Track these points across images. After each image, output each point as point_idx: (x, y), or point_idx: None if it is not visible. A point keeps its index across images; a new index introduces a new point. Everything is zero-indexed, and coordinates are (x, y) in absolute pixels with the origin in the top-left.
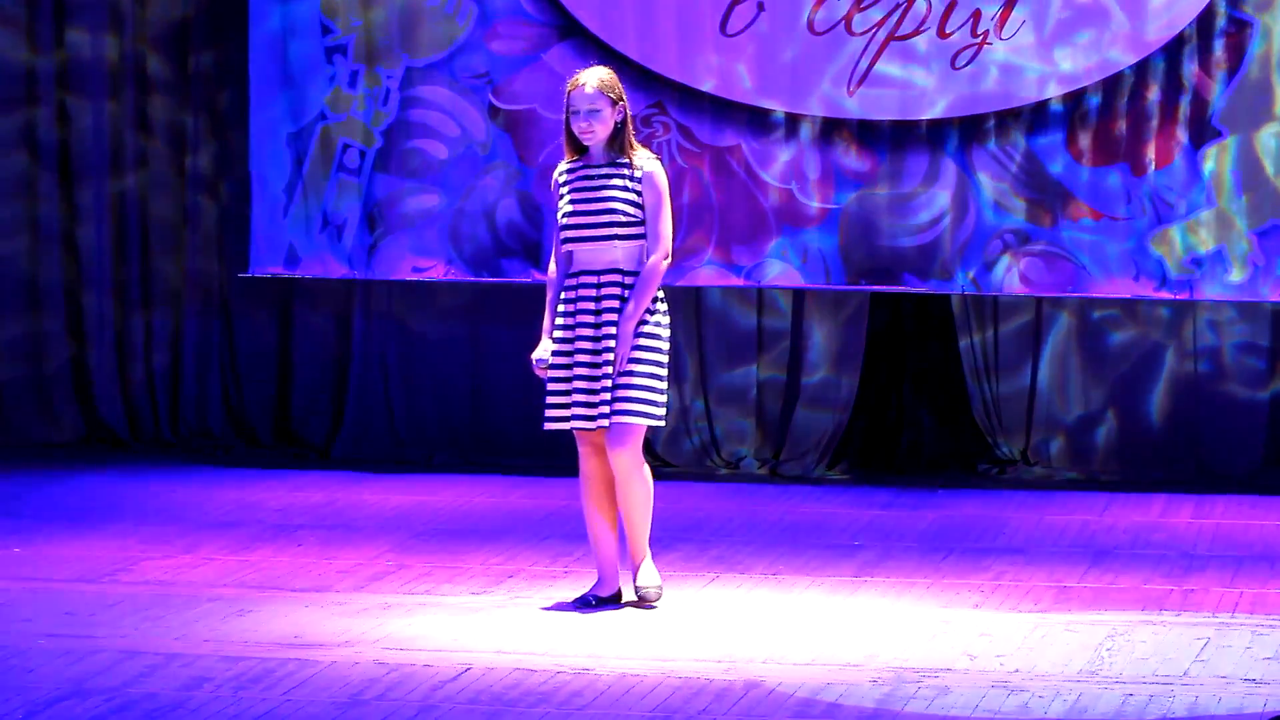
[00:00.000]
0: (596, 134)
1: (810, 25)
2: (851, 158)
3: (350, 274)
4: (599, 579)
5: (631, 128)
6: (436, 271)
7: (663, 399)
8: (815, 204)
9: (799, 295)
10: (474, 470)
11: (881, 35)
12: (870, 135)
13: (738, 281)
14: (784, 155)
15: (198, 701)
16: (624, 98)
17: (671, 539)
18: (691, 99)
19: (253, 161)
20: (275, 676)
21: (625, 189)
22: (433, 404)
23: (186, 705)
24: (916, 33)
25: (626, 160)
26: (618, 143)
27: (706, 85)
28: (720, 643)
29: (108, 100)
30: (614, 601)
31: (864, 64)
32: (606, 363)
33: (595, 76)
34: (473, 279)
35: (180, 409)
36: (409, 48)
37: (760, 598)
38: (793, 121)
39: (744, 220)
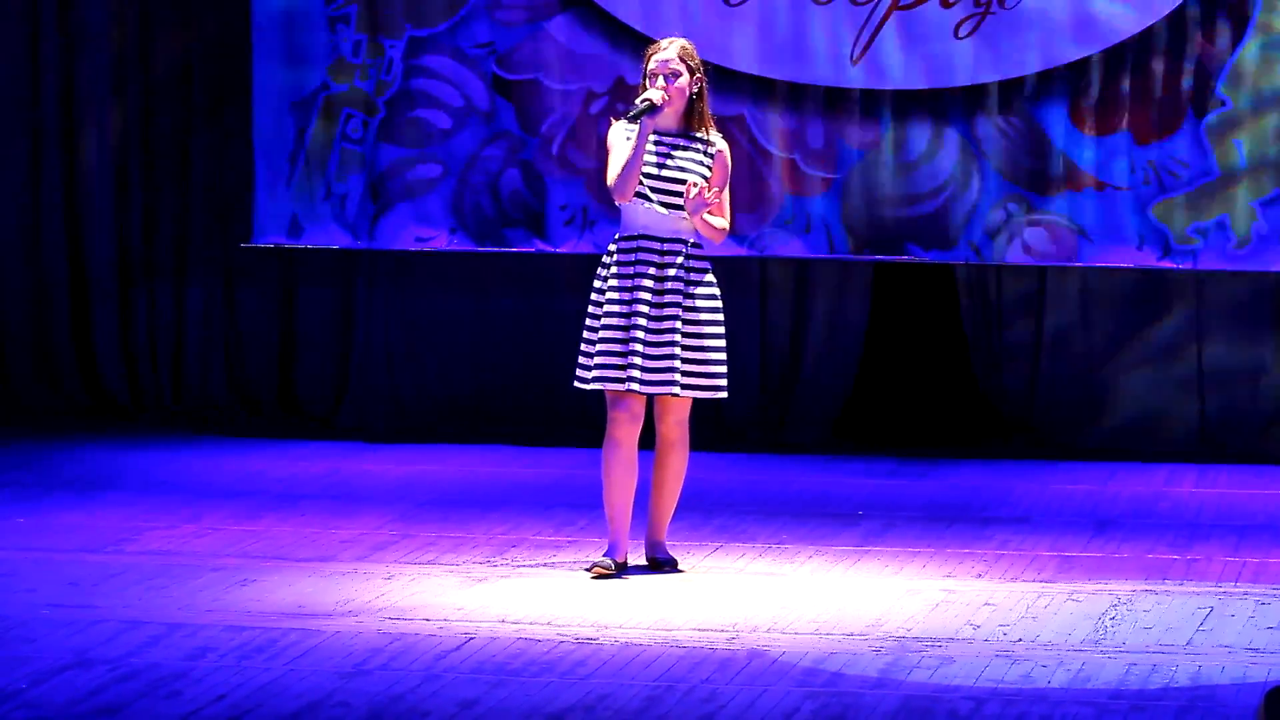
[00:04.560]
0: (673, 100)
1: None
2: (855, 128)
3: (353, 244)
4: (613, 545)
5: (707, 102)
6: (439, 242)
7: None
8: (819, 174)
9: (802, 265)
10: (477, 440)
11: (885, 5)
12: (873, 105)
13: (741, 252)
14: (787, 125)
15: (201, 671)
16: (702, 69)
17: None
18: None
19: (255, 131)
20: (278, 646)
21: (700, 163)
22: (436, 374)
23: (190, 675)
24: (920, 2)
25: (702, 135)
26: (694, 115)
27: (709, 55)
28: (724, 612)
29: (110, 74)
30: (623, 569)
31: (867, 34)
32: (670, 330)
33: (676, 43)
34: (476, 249)
35: (183, 379)
36: (412, 17)
37: (763, 568)
38: (796, 91)
39: (747, 190)
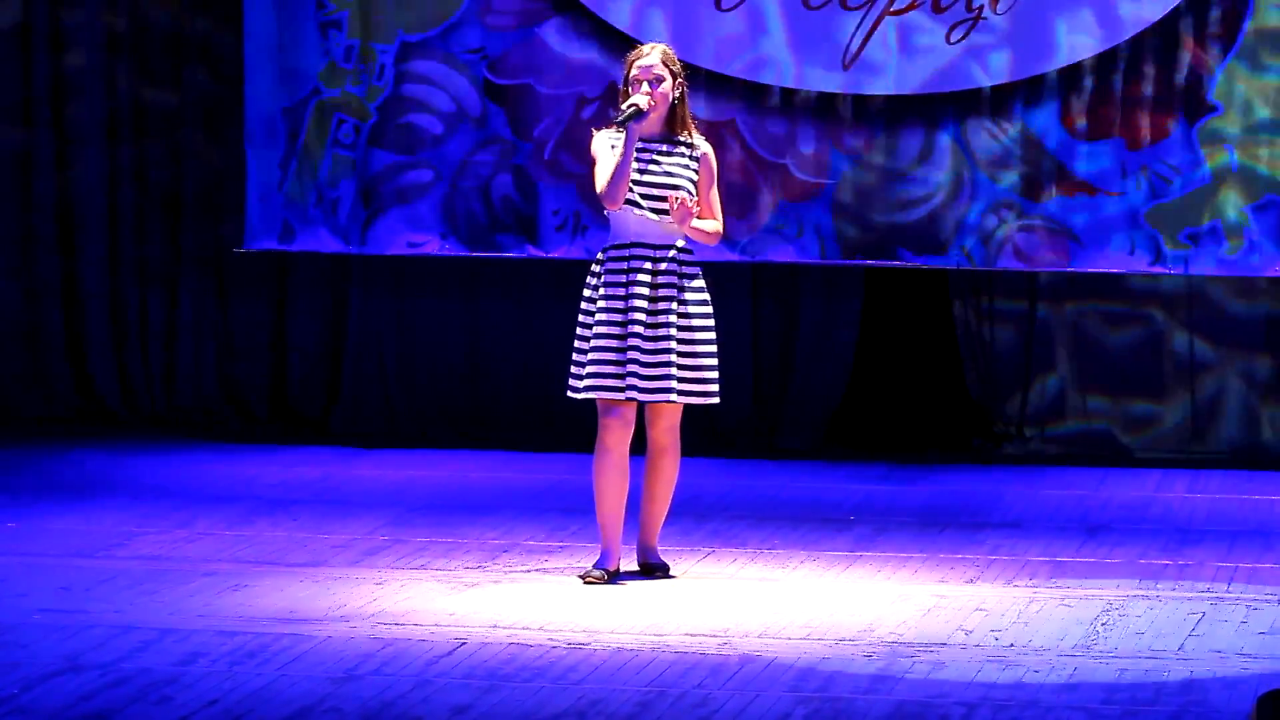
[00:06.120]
0: (657, 105)
1: (805, 0)
2: (846, 133)
3: (345, 249)
4: (605, 552)
5: (688, 106)
6: (431, 247)
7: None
8: (810, 179)
9: (794, 270)
10: (469, 445)
11: (876, 10)
12: (865, 110)
13: (732, 257)
14: (779, 131)
15: (192, 676)
16: (683, 74)
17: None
18: (686, 74)
19: (247, 137)
20: (270, 651)
21: (686, 167)
22: (428, 379)
23: (181, 680)
24: (911, 7)
25: (685, 139)
26: (676, 119)
27: (701, 60)
28: (715, 617)
29: (103, 74)
30: (615, 576)
31: (859, 39)
32: (665, 336)
33: (658, 49)
34: (468, 254)
35: (176, 384)
36: (404, 22)
37: (755, 572)
38: (788, 97)
39: (738, 196)
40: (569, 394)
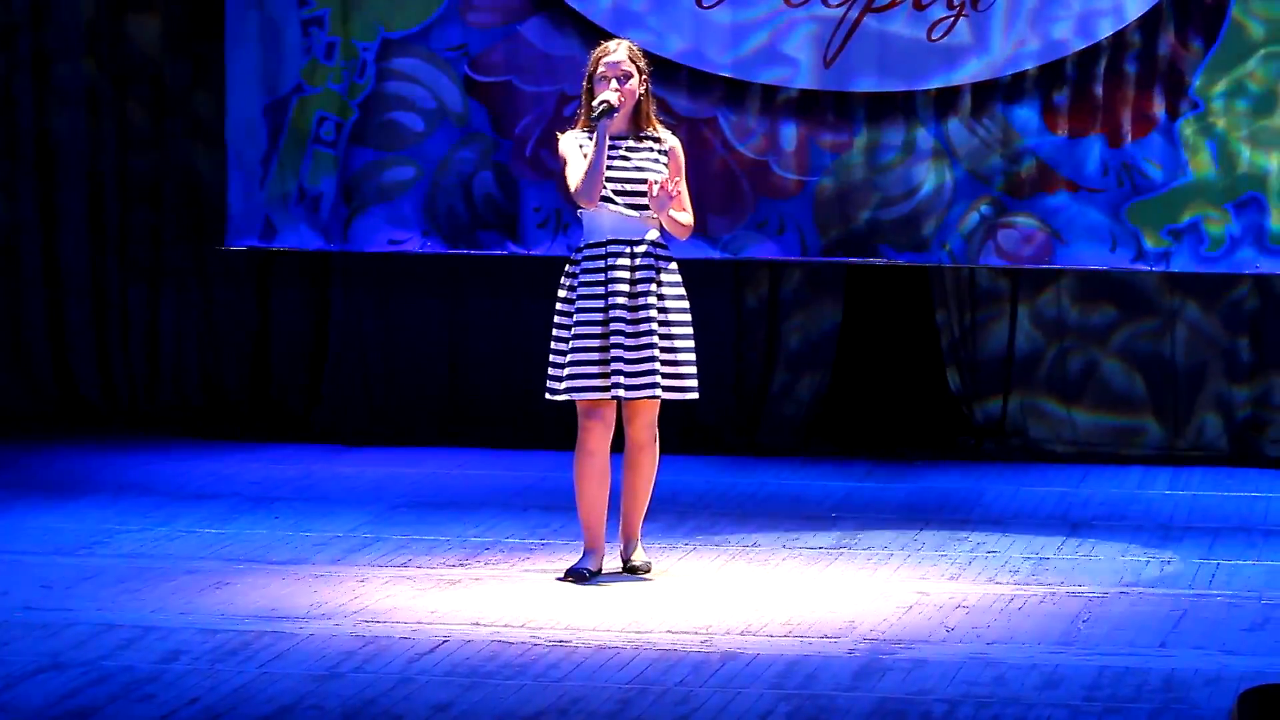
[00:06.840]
0: (625, 102)
1: None
2: (828, 130)
3: (326, 246)
4: (589, 552)
5: (653, 101)
6: (412, 244)
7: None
8: (792, 176)
9: (776, 267)
10: (451, 442)
11: (858, 7)
12: (846, 107)
13: (714, 254)
14: (760, 128)
15: (175, 674)
16: (647, 70)
17: (649, 511)
18: (667, 71)
19: (229, 134)
20: (252, 649)
21: (656, 162)
22: (410, 376)
23: (163, 678)
24: (893, 4)
25: (652, 133)
26: (641, 115)
27: (682, 58)
28: (697, 614)
29: (84, 76)
30: (598, 574)
31: (840, 36)
32: (647, 332)
33: (624, 45)
34: (449, 251)
35: (158, 382)
36: (385, 20)
37: (737, 570)
38: (769, 94)
39: (720, 193)
40: (547, 396)
